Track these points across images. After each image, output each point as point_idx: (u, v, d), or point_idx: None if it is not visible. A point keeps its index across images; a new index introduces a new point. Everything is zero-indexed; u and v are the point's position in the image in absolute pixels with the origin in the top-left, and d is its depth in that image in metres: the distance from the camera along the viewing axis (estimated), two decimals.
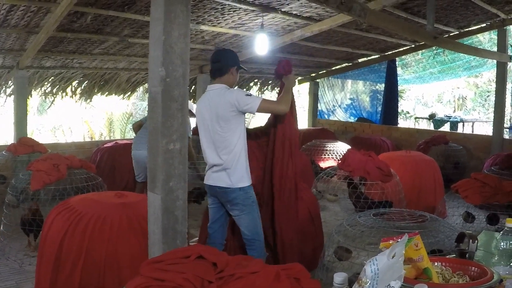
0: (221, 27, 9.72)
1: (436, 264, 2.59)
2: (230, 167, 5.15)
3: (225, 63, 5.37)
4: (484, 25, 11.97)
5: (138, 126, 8.58)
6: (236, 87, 5.50)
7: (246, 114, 5.25)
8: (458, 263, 2.64)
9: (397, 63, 15.93)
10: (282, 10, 8.99)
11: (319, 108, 17.67)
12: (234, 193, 5.17)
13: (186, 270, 2.64)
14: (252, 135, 5.81)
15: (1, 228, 7.02)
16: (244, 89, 15.84)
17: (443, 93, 28.50)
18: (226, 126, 5.12)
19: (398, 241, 2.17)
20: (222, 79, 5.35)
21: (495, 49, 12.63)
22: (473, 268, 2.55)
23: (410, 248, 2.33)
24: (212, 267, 2.73)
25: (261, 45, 9.66)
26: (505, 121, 12.75)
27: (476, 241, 3.01)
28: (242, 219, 5.26)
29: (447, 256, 2.98)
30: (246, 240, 5.32)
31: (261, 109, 5.08)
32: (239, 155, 5.18)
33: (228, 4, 8.30)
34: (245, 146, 5.27)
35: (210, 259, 2.77)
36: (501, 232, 2.87)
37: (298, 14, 9.35)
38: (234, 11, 8.82)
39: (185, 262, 2.76)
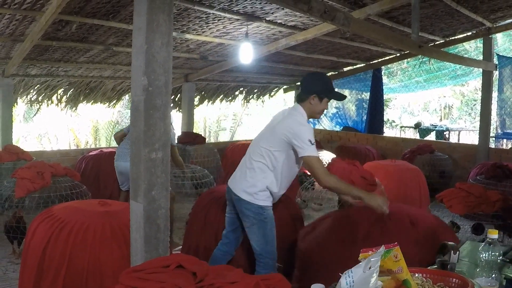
0: (205, 36, 9.73)
1: (416, 275, 2.59)
2: (253, 181, 5.04)
3: (304, 89, 5.18)
4: (470, 33, 12.02)
5: (120, 137, 8.50)
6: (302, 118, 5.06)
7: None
8: (439, 274, 2.65)
9: (382, 72, 15.95)
10: (267, 19, 9.02)
11: None
12: (248, 204, 5.03)
13: (165, 279, 2.63)
14: None
15: None
16: (230, 98, 15.87)
17: (429, 102, 28.54)
18: (272, 144, 5.00)
19: (374, 253, 2.17)
20: (302, 105, 5.12)
21: (481, 57, 12.65)
22: (454, 279, 2.55)
23: (389, 259, 2.32)
24: (192, 277, 2.72)
25: (246, 54, 9.66)
26: (491, 130, 12.74)
27: (457, 252, 3.01)
28: (251, 233, 5.10)
29: (428, 268, 2.98)
30: (255, 255, 5.16)
31: (305, 162, 4.89)
32: (269, 177, 5.03)
33: (213, 13, 8.30)
34: (282, 173, 5.06)
35: (189, 269, 2.77)
36: (483, 243, 2.87)
37: (283, 23, 9.38)
38: (218, 20, 8.82)
39: (164, 271, 2.75)
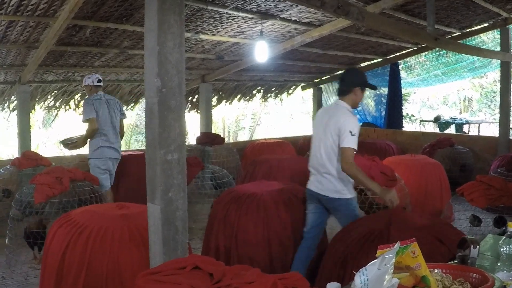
0: (220, 35, 9.71)
1: (436, 271, 2.55)
2: (336, 178, 5.46)
3: (348, 83, 5.59)
4: (487, 24, 11.90)
5: (95, 129, 8.43)
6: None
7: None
8: (458, 269, 2.60)
9: (400, 66, 15.85)
10: (281, 16, 8.98)
11: None
12: (336, 201, 5.52)
13: (182, 281, 2.61)
14: None
15: (7, 241, 7.01)
16: (247, 97, 15.84)
17: (448, 95, 28.37)
18: (331, 144, 5.43)
19: (391, 249, 2.14)
20: (345, 98, 5.58)
21: (499, 48, 12.55)
22: (474, 274, 2.51)
23: (407, 255, 2.30)
24: (209, 278, 2.70)
25: (262, 53, 9.63)
26: (511, 122, 12.60)
27: (477, 246, 2.96)
28: (343, 221, 5.55)
29: (449, 263, 2.94)
30: None
31: (341, 151, 5.30)
32: (342, 172, 5.39)
33: (226, 13, 8.28)
34: None
35: (206, 270, 2.75)
36: (503, 237, 2.81)
37: (297, 20, 9.34)
38: (232, 19, 8.81)
39: (181, 273, 2.74)
